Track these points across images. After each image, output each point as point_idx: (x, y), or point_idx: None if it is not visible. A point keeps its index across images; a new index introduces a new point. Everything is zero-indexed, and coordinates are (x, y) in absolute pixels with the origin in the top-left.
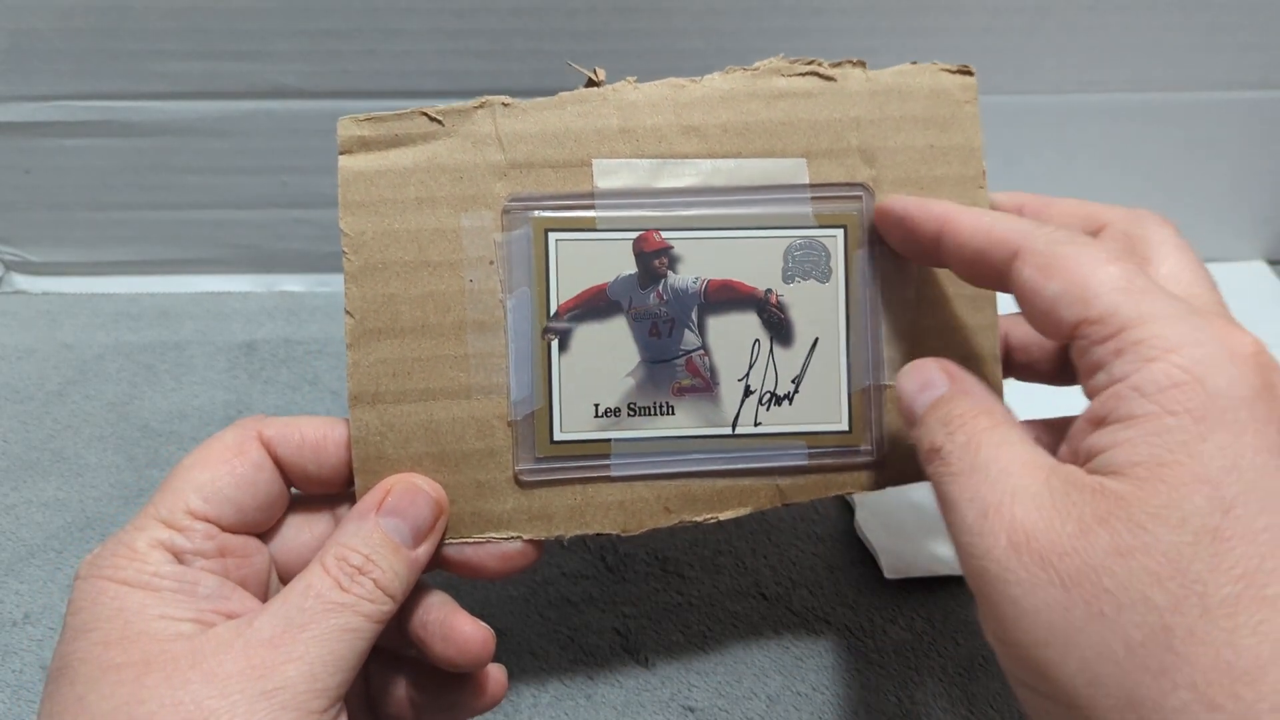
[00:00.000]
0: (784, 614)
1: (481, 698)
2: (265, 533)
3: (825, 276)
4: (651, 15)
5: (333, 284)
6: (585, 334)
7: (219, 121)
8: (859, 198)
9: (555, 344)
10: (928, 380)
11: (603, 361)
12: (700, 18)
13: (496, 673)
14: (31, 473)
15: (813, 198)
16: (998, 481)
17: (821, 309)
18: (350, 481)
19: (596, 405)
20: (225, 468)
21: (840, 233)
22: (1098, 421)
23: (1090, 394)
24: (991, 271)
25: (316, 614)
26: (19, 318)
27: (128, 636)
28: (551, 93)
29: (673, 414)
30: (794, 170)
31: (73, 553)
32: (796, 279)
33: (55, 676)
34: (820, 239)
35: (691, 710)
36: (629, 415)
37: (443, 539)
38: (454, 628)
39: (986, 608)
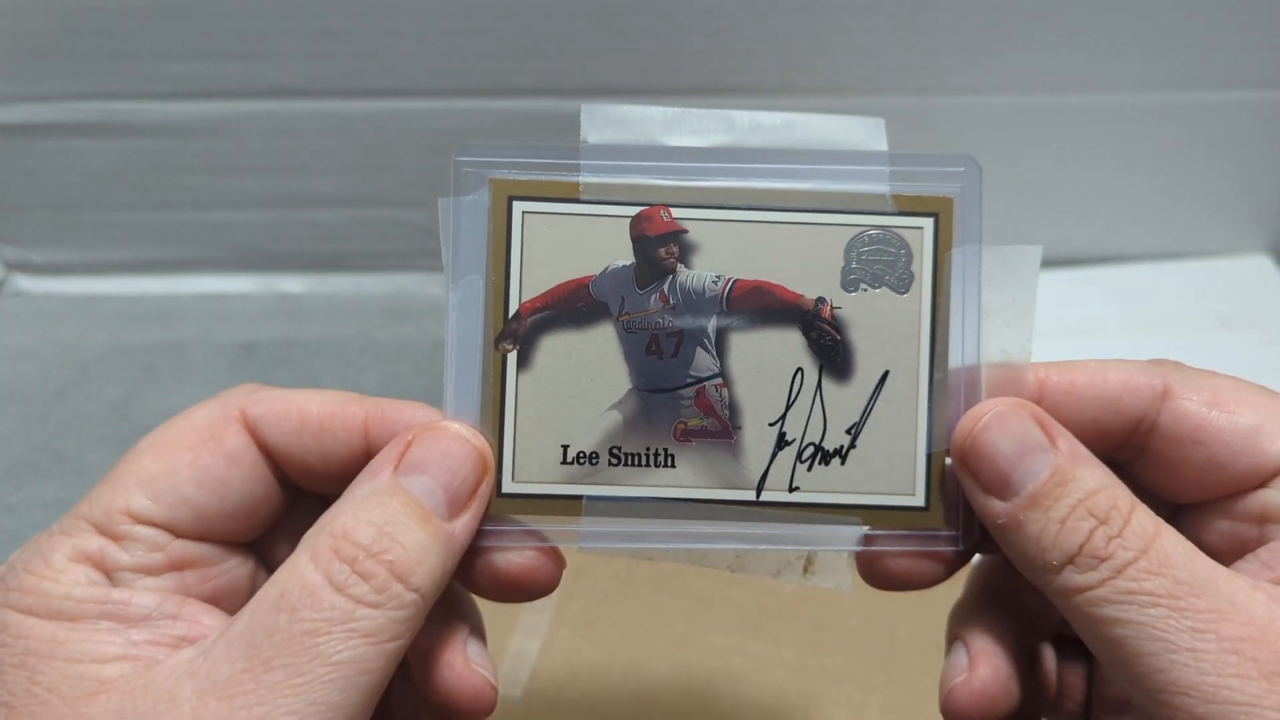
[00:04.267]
0: None
1: None
2: (257, 540)
3: (904, 285)
4: (652, 15)
5: (332, 284)
6: (555, 345)
7: (219, 121)
8: (959, 174)
9: (513, 357)
10: (1027, 438)
11: (578, 385)
12: (701, 18)
13: None
14: (33, 473)
15: (892, 171)
16: (1236, 607)
17: (896, 331)
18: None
19: (565, 447)
20: (186, 457)
21: (929, 223)
22: None
23: None
24: (1122, 424)
25: (291, 640)
26: (19, 318)
27: (34, 695)
28: (551, 92)
29: (673, 466)
30: (868, 132)
31: None
32: (863, 286)
33: None
34: (899, 230)
35: None
36: (611, 464)
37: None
38: (440, 663)
39: None
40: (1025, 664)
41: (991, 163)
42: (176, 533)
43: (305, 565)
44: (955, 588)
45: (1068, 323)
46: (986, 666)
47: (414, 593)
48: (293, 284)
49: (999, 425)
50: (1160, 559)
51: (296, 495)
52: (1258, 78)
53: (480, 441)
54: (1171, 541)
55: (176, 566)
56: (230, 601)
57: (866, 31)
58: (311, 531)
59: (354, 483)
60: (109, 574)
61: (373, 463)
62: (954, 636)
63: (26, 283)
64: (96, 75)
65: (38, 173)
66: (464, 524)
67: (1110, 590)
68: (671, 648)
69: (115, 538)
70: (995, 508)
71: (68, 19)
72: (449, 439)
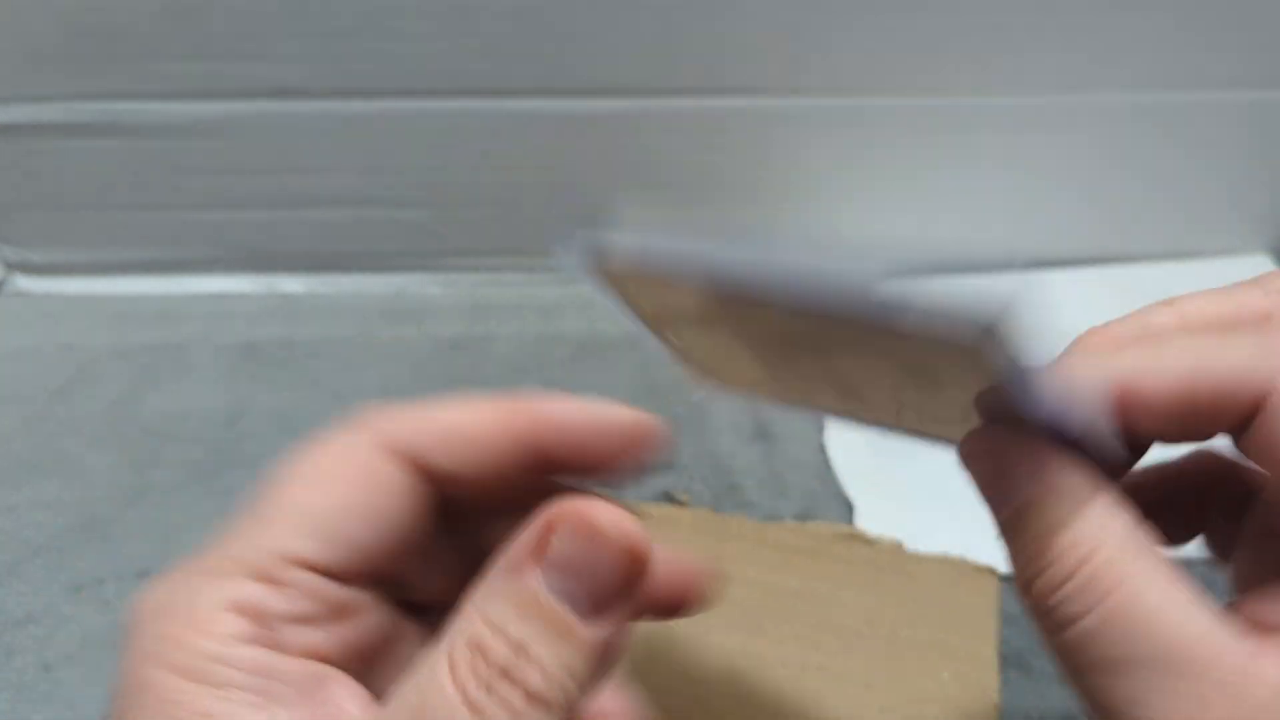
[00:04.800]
0: None
1: None
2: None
3: None
4: (652, 16)
5: (333, 284)
6: None
7: (219, 121)
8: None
9: None
10: (1005, 465)
11: None
12: (701, 18)
13: None
14: (33, 473)
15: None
16: (1210, 688)
17: None
18: (522, 481)
19: None
20: (340, 489)
21: None
22: None
23: None
24: (1214, 424)
25: None
26: (20, 318)
27: None
28: (551, 92)
29: None
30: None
31: (74, 553)
32: None
33: None
34: None
35: None
36: None
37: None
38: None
39: None
40: None
41: (992, 163)
42: (336, 576)
43: (445, 678)
44: (956, 588)
45: (1067, 323)
46: None
47: (548, 711)
48: (293, 284)
49: (977, 448)
50: (1119, 621)
51: (443, 529)
52: (1258, 78)
53: (631, 535)
54: (1142, 599)
55: (335, 616)
56: (369, 647)
57: (866, 31)
58: (454, 625)
59: (495, 566)
60: (264, 623)
61: (512, 551)
62: None
63: (26, 283)
64: (96, 75)
65: (38, 173)
66: (610, 622)
67: (1064, 646)
68: (672, 648)
69: (275, 584)
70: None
71: (68, 19)
72: (591, 530)
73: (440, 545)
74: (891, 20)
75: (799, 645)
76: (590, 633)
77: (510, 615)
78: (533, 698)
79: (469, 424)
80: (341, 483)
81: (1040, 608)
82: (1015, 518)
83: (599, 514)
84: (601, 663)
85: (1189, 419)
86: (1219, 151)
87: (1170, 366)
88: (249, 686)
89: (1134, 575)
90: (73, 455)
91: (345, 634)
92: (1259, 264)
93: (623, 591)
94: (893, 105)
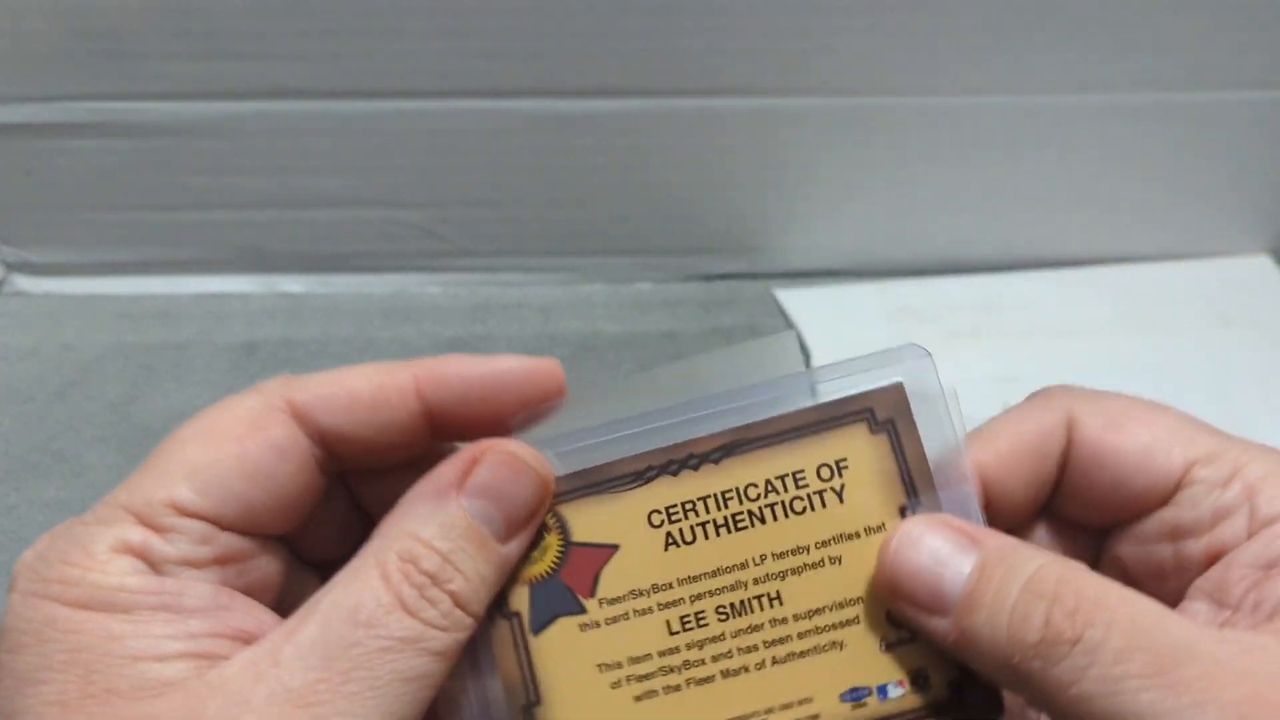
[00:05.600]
0: None
1: None
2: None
3: None
4: (652, 16)
5: (333, 284)
6: None
7: (219, 121)
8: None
9: None
10: (945, 545)
11: None
12: (701, 18)
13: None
14: (32, 473)
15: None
16: (1222, 665)
17: None
18: (421, 444)
19: None
20: (233, 448)
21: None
22: (1270, 565)
23: (1216, 546)
24: (1035, 464)
25: (369, 654)
26: (20, 319)
27: (92, 695)
28: (551, 93)
29: None
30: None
31: None
32: None
33: None
34: None
35: None
36: None
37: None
38: None
39: None
40: None
41: (992, 163)
42: (222, 526)
43: (378, 583)
44: None
45: (1067, 323)
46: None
47: (471, 619)
48: (293, 284)
49: (912, 543)
50: (1134, 630)
51: (333, 482)
52: (1258, 78)
53: (545, 468)
54: (1138, 606)
55: (221, 561)
56: (263, 594)
57: (866, 31)
58: (377, 544)
59: (416, 492)
60: (154, 566)
61: (436, 473)
62: None
63: (26, 283)
64: (96, 75)
65: (38, 173)
66: (517, 544)
67: (1094, 684)
68: None
69: (159, 529)
70: (939, 626)
71: (68, 19)
72: (515, 462)
73: (331, 505)
74: (891, 20)
75: None
76: (503, 550)
77: (437, 533)
78: (459, 601)
79: (363, 387)
80: (231, 438)
81: (1059, 651)
82: (983, 586)
83: (520, 449)
84: (503, 582)
85: (1036, 473)
86: (1219, 151)
87: (997, 438)
88: (158, 606)
89: (1125, 590)
90: (73, 456)
91: (238, 578)
92: (1259, 264)
93: (531, 516)
94: (893, 105)
